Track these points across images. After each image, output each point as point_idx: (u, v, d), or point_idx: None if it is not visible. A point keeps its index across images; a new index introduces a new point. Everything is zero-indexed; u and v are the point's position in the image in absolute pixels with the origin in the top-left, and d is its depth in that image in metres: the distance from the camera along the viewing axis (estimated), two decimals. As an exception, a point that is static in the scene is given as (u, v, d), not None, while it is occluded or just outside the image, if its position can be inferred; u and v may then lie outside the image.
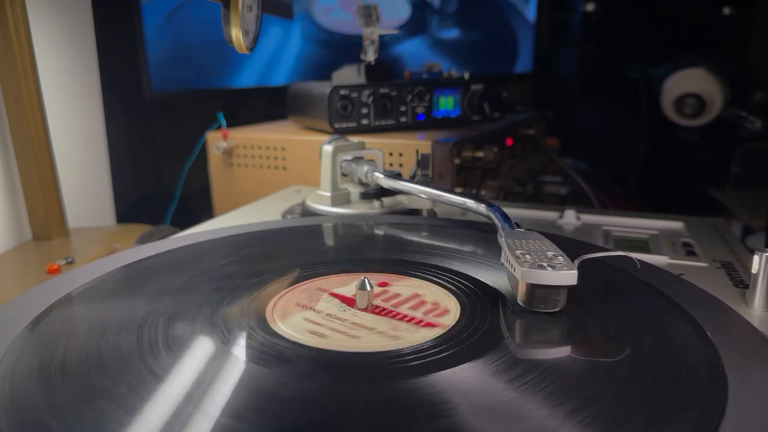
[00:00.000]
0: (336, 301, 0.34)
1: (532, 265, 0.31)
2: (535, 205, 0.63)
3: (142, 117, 0.97)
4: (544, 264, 0.31)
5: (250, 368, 0.26)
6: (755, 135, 1.16)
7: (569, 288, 0.31)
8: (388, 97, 0.80)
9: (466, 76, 0.90)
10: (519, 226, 0.39)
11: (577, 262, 0.31)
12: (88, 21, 0.81)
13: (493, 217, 0.42)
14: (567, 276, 0.30)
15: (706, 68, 1.13)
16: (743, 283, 0.40)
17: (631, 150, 1.41)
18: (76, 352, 0.28)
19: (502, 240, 0.36)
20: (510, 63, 1.50)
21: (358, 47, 0.82)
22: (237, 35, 0.43)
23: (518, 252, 0.33)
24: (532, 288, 0.31)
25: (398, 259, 0.41)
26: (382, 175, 0.54)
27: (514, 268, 0.32)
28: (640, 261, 0.35)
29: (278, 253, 0.43)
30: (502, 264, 0.35)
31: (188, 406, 0.23)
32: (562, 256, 0.32)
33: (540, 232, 0.37)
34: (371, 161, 0.57)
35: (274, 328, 0.30)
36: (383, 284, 0.36)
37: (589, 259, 0.31)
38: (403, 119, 0.82)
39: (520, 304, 0.32)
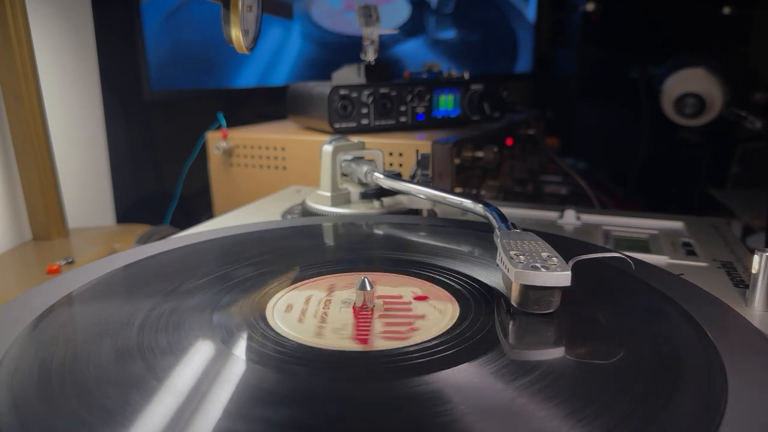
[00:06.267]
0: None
1: (525, 266, 0.31)
2: (535, 205, 0.63)
3: (141, 117, 0.97)
4: (538, 265, 0.31)
5: (251, 368, 0.26)
6: (755, 135, 1.15)
7: (569, 288, 0.31)
8: (388, 97, 0.80)
9: (466, 76, 0.89)
10: (515, 227, 0.39)
11: (571, 263, 0.31)
12: (88, 21, 0.81)
13: (489, 217, 0.42)
14: (560, 277, 0.30)
15: (706, 68, 1.13)
16: (743, 283, 0.40)
17: (631, 150, 1.40)
18: (76, 352, 0.28)
19: (497, 240, 0.36)
20: (510, 63, 1.50)
21: (358, 47, 0.82)
22: (237, 35, 0.43)
23: (512, 252, 0.33)
24: (526, 289, 0.31)
25: (397, 259, 0.41)
26: (381, 175, 0.54)
27: (508, 269, 0.32)
28: (639, 261, 0.35)
29: (278, 253, 0.43)
30: (498, 264, 0.34)
31: (189, 406, 0.23)
32: (556, 257, 0.32)
33: (537, 233, 0.37)
34: (371, 161, 0.57)
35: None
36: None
37: (585, 259, 0.31)
38: (403, 119, 0.82)
39: (514, 305, 0.32)
